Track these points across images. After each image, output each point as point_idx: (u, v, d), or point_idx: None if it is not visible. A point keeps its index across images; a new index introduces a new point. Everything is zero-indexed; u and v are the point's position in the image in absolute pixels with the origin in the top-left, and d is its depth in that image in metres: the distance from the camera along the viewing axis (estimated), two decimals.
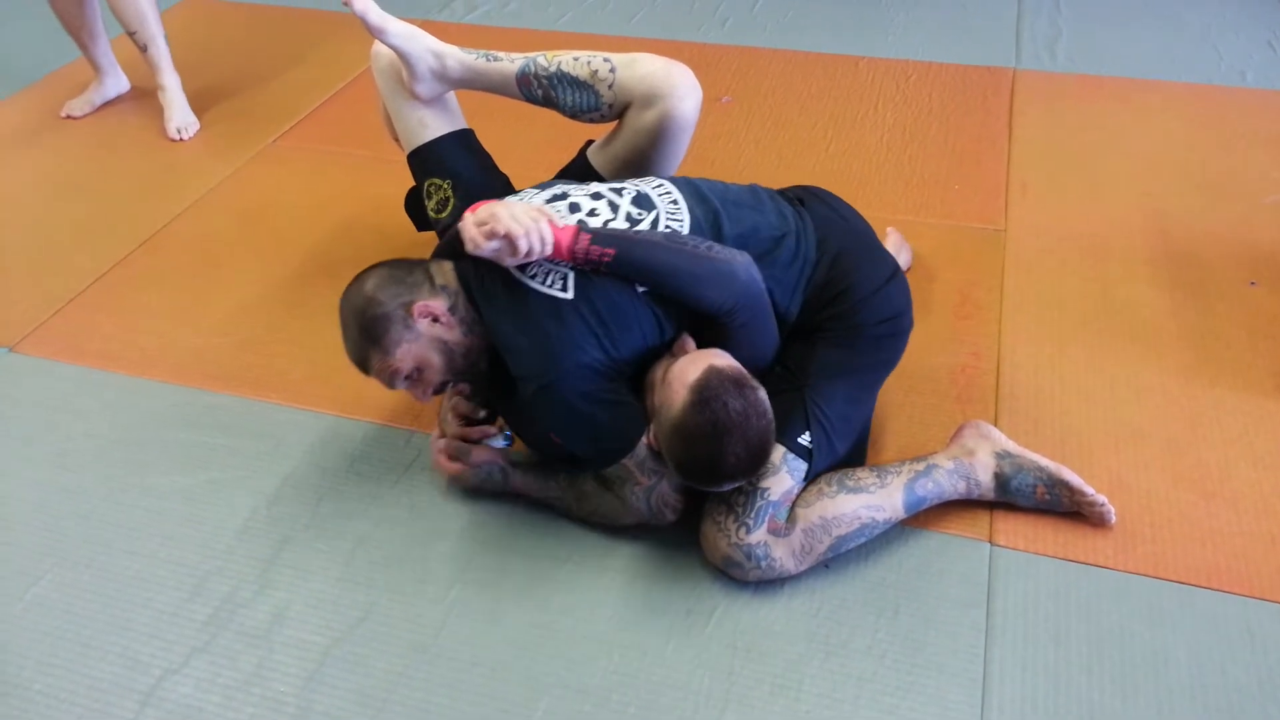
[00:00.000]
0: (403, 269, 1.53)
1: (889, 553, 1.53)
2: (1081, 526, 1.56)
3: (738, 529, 1.44)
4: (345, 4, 1.63)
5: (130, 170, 2.59)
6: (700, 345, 1.51)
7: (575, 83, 1.69)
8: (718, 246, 1.48)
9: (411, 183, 1.88)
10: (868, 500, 1.48)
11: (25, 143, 2.73)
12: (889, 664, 1.39)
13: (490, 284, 1.50)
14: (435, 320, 1.49)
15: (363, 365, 1.53)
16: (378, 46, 1.79)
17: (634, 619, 1.46)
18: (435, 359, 1.51)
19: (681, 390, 1.38)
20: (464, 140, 1.84)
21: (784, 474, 1.46)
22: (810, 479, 1.50)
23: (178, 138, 2.71)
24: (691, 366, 1.41)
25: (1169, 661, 1.38)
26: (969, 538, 1.55)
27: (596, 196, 1.55)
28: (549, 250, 1.42)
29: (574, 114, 1.74)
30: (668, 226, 1.51)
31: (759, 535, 1.44)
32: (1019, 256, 2.14)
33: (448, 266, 1.56)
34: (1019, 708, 1.33)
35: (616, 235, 1.44)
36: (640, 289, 1.47)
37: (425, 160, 1.82)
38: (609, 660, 1.41)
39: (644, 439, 1.47)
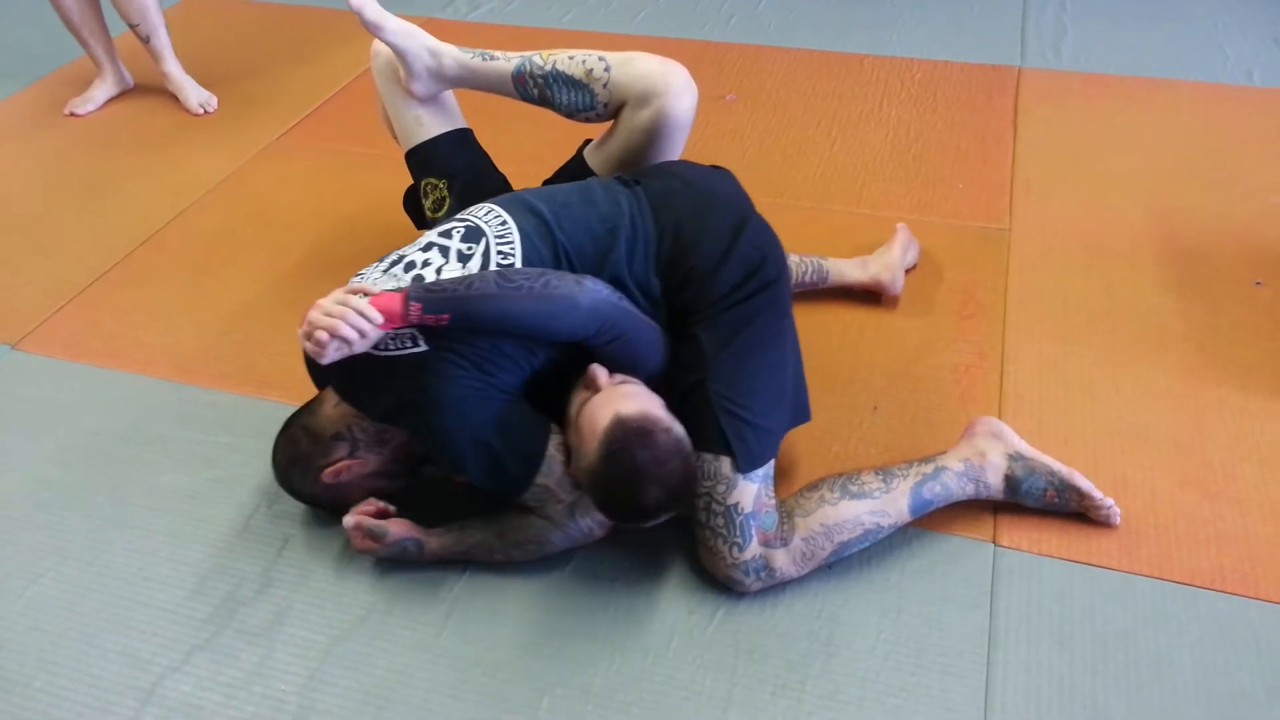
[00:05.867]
0: (289, 447, 1.52)
1: (891, 554, 1.52)
2: (1086, 527, 1.55)
3: (730, 549, 1.43)
4: None
5: (133, 167, 2.59)
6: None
7: (570, 82, 1.68)
8: (555, 277, 1.40)
9: (412, 181, 1.88)
10: (871, 506, 1.47)
11: (29, 140, 2.73)
12: (892, 665, 1.39)
13: (361, 378, 1.46)
14: (349, 468, 1.49)
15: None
16: (377, 44, 1.79)
17: (637, 619, 1.46)
18: (378, 481, 1.53)
19: (592, 440, 1.36)
20: (461, 139, 1.83)
21: (739, 481, 1.43)
22: (766, 463, 1.45)
23: (201, 113, 2.81)
24: (600, 412, 1.37)
25: (1173, 664, 1.37)
26: (973, 539, 1.54)
27: (427, 248, 1.50)
28: (379, 321, 1.35)
29: (569, 113, 1.73)
30: (499, 252, 1.47)
31: (752, 550, 1.43)
32: (1023, 256, 2.13)
33: (329, 403, 1.52)
34: (1022, 709, 1.33)
35: (448, 297, 1.36)
36: None
37: (422, 159, 1.82)
38: (611, 660, 1.41)
39: (560, 466, 1.44)
